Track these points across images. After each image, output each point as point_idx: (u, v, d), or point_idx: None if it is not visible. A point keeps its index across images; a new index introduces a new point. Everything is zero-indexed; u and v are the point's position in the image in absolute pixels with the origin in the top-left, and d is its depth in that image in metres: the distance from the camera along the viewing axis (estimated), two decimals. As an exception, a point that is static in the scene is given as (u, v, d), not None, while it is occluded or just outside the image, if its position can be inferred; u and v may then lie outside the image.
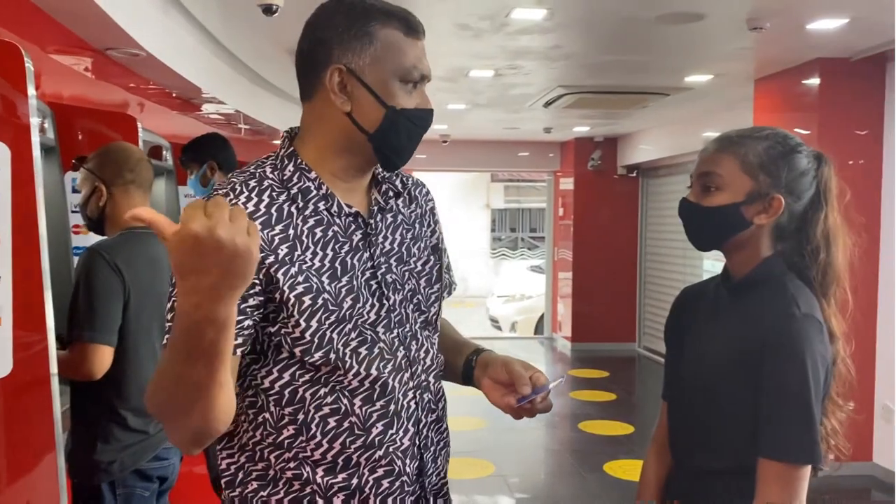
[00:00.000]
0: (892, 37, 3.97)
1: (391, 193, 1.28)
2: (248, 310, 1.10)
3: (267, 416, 1.17)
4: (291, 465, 1.16)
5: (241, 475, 1.19)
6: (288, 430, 1.16)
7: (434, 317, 1.30)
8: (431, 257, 1.32)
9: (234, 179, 1.17)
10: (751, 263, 1.41)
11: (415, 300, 1.26)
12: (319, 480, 1.16)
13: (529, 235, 19.79)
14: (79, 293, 2.05)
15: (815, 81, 4.52)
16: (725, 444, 1.38)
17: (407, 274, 1.26)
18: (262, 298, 1.11)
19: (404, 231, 1.28)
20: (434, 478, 1.27)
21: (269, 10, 2.82)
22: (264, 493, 1.17)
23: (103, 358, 2.04)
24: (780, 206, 1.37)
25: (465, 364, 1.34)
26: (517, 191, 19.23)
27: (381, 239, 1.24)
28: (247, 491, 1.18)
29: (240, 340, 1.09)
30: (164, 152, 3.38)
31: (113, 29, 2.45)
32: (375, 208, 1.24)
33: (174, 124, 4.89)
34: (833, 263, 1.40)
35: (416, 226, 1.31)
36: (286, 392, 1.16)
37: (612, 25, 3.86)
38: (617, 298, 8.68)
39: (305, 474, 1.16)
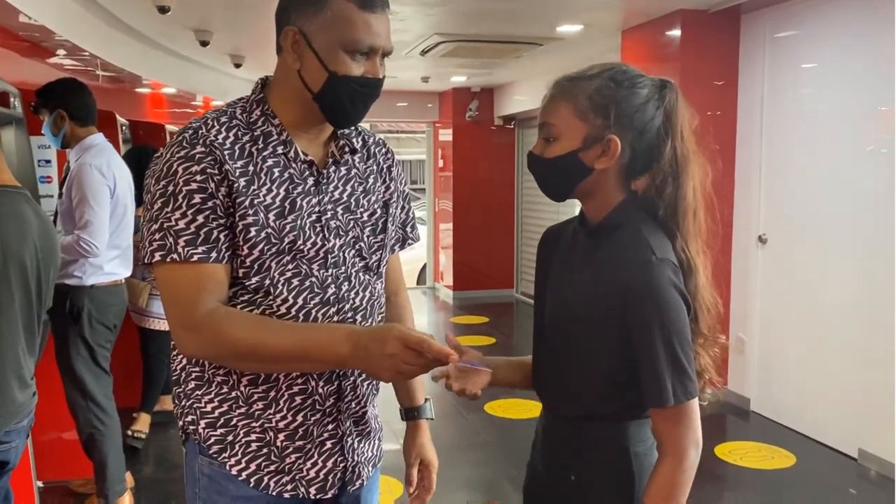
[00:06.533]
0: (745, -10, 4.20)
1: (347, 149, 1.41)
2: (226, 224, 1.26)
3: None
4: (221, 371, 1.33)
5: (182, 375, 1.37)
6: None
7: (375, 263, 1.43)
8: (379, 210, 1.44)
9: (208, 115, 1.31)
10: (605, 207, 1.37)
11: (357, 246, 1.39)
12: (243, 389, 1.33)
13: (411, 187, 19.81)
14: None
15: (676, 33, 4.72)
16: (580, 389, 1.37)
17: (352, 222, 1.39)
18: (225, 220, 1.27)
19: (356, 184, 1.42)
20: (353, 404, 1.41)
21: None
22: (199, 392, 1.35)
23: None
24: (618, 148, 1.31)
25: None
26: (397, 142, 19.15)
27: (331, 188, 1.37)
28: (187, 388, 1.37)
29: (230, 253, 1.27)
30: (13, 99, 3.12)
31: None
32: (330, 160, 1.38)
33: (25, 70, 4.53)
34: (684, 194, 1.33)
35: (370, 180, 1.44)
36: None
37: (485, -28, 3.88)
38: (496, 247, 8.89)
39: (232, 381, 1.33)
